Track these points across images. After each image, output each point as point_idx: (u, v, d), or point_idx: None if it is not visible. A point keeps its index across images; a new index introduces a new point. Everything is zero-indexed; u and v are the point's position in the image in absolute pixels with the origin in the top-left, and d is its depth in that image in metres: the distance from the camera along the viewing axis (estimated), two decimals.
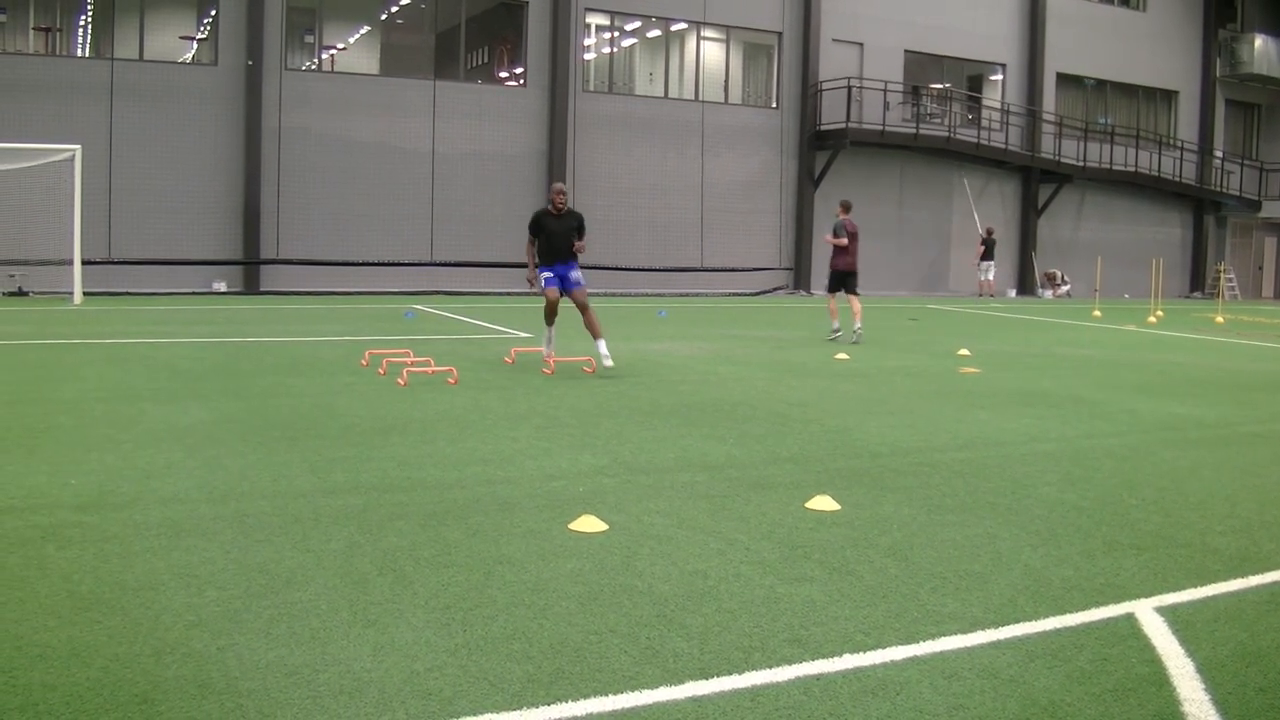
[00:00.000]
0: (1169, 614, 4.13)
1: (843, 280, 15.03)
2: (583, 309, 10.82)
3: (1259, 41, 34.14)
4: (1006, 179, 31.19)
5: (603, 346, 10.64)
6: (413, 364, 10.27)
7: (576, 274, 10.94)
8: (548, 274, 10.88)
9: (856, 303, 15.02)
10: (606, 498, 5.72)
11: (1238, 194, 34.82)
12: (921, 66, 30.12)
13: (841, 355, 12.81)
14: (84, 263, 18.87)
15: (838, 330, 15.09)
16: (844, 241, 14.80)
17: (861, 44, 28.67)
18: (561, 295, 10.96)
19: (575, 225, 10.84)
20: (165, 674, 3.35)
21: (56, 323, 14.98)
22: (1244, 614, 4.18)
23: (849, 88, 27.62)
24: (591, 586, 4.30)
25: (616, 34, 26.79)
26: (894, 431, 7.93)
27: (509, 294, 23.40)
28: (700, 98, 27.21)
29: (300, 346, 12.60)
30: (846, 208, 15.30)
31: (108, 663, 3.42)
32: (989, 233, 28.89)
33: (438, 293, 23.28)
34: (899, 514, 5.56)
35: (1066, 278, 30.99)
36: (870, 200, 29.18)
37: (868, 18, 28.71)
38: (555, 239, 10.76)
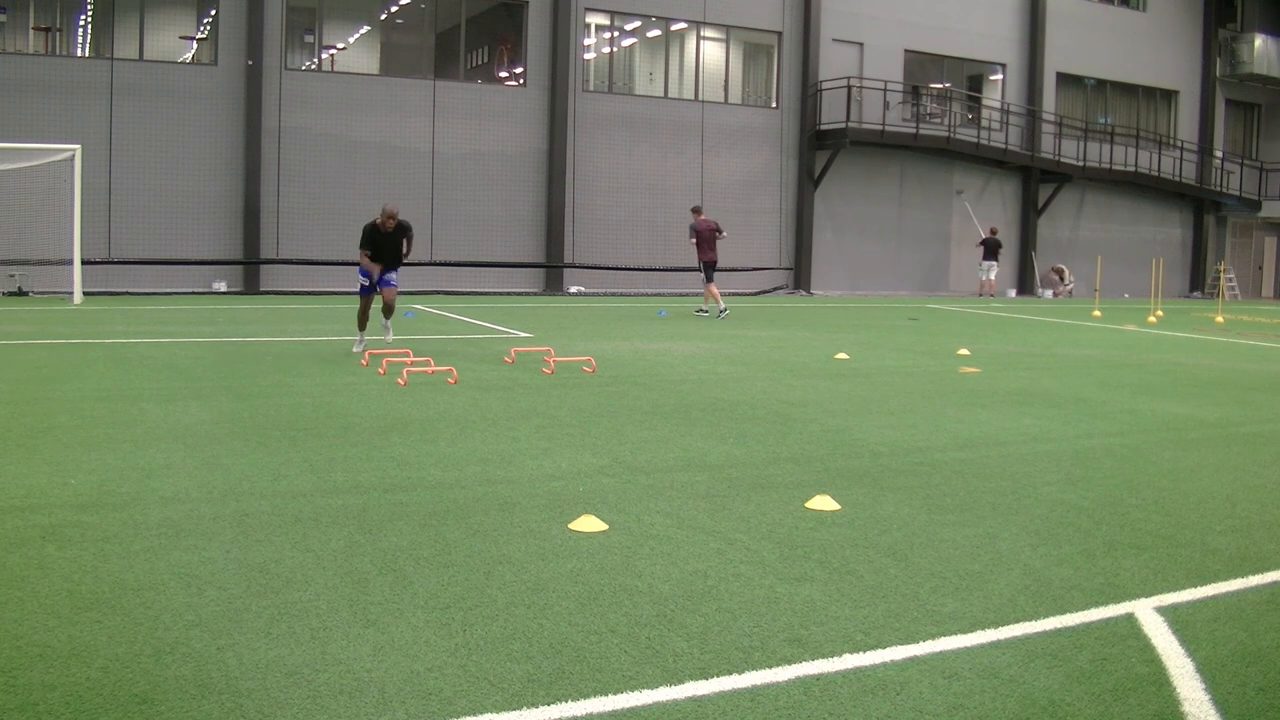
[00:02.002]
0: (1169, 614, 4.13)
1: (710, 269, 18.63)
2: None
3: (1259, 41, 34.14)
4: (1006, 179, 31.20)
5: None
6: (413, 364, 10.28)
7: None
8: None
9: (713, 289, 18.69)
10: (606, 498, 5.72)
11: (1238, 194, 34.82)
12: (921, 66, 30.12)
13: (841, 355, 12.81)
14: (84, 262, 18.88)
15: (724, 310, 18.64)
16: (694, 241, 18.47)
17: (861, 44, 28.66)
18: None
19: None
20: (165, 674, 3.35)
21: (56, 323, 14.98)
22: (1244, 614, 4.18)
23: (849, 88, 27.63)
24: (591, 586, 4.30)
25: (616, 34, 26.79)
26: (894, 431, 7.93)
27: (509, 294, 23.41)
28: (700, 98, 27.20)
29: (300, 346, 12.60)
30: (697, 211, 18.87)
31: (108, 663, 3.42)
32: (992, 232, 28.92)
33: (438, 293, 23.28)
34: (899, 514, 5.56)
35: (1072, 276, 31.00)
36: (870, 200, 29.23)
37: (868, 17, 28.71)
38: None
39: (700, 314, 18.93)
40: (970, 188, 30.63)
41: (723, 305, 18.72)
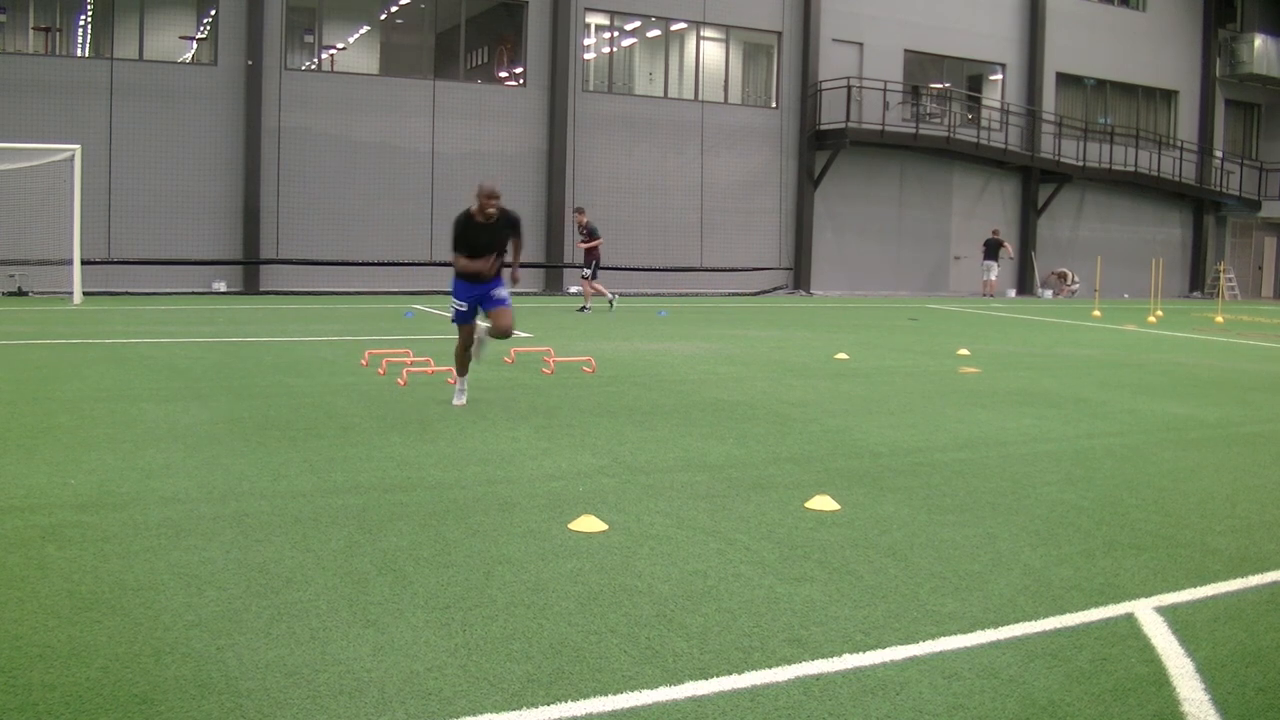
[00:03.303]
0: (1169, 614, 4.13)
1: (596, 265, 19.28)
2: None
3: (1259, 41, 34.14)
4: (1006, 179, 31.19)
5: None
6: (412, 364, 10.27)
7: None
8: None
9: (588, 285, 19.28)
10: (606, 498, 5.72)
11: (1238, 194, 34.82)
12: (921, 66, 30.11)
13: (841, 355, 12.81)
14: (84, 262, 18.87)
15: (613, 300, 19.58)
16: (593, 242, 19.17)
17: (861, 44, 28.66)
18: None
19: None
20: (165, 674, 3.35)
21: (56, 323, 14.97)
22: (1244, 614, 4.18)
23: (849, 88, 27.62)
24: (591, 586, 4.30)
25: (616, 34, 26.79)
26: (894, 431, 7.93)
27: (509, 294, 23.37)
28: (700, 98, 27.20)
29: (300, 346, 12.60)
30: (580, 211, 19.67)
31: (108, 663, 3.42)
32: (994, 234, 28.94)
33: (438, 293, 23.27)
34: (899, 514, 5.56)
35: (1077, 278, 31.02)
36: (870, 200, 29.21)
37: (868, 18, 28.70)
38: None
39: (585, 311, 19.06)
40: (970, 188, 30.63)
41: (610, 297, 19.53)
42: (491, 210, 8.20)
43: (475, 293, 8.49)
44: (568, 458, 6.71)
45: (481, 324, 8.71)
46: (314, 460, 6.44)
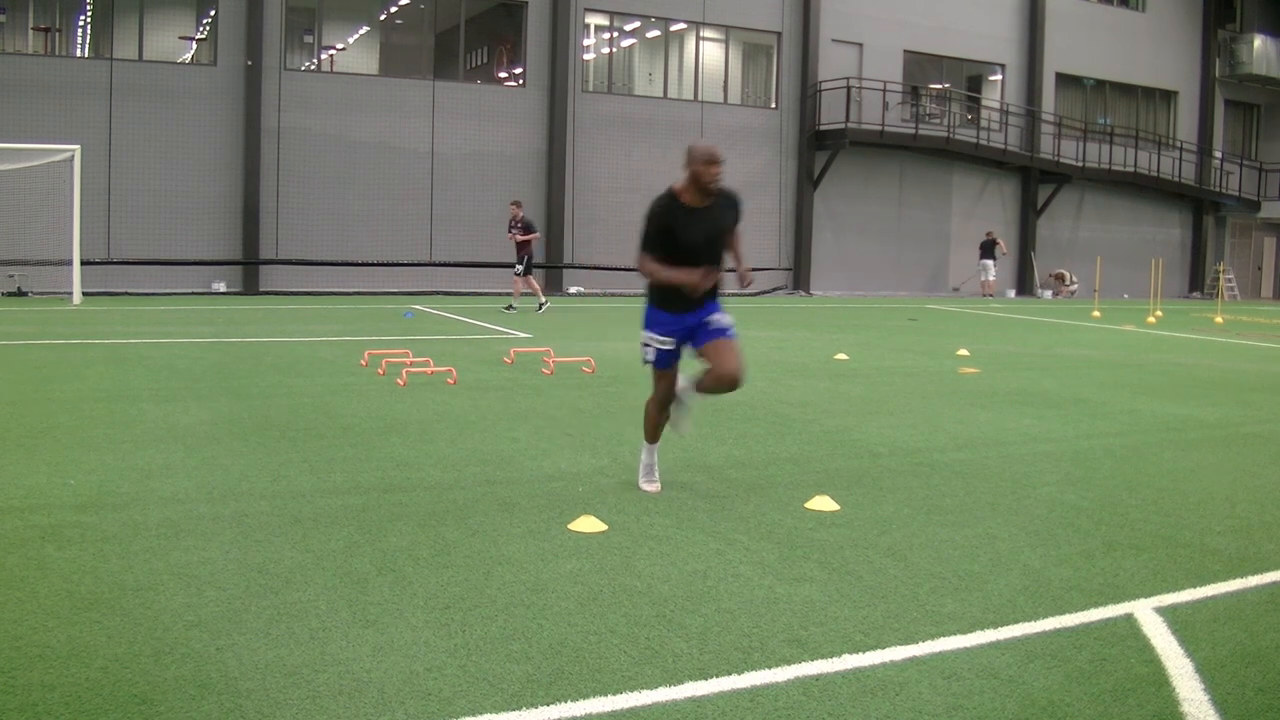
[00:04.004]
0: (1168, 614, 4.13)
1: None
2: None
3: (1258, 42, 34.14)
4: (1006, 179, 31.20)
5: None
6: (412, 364, 10.27)
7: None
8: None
9: (520, 282, 18.73)
10: (606, 498, 5.72)
11: (1237, 194, 34.82)
12: (921, 66, 30.12)
13: (841, 355, 12.81)
14: (83, 263, 18.87)
15: (544, 303, 18.85)
16: (514, 235, 18.59)
17: (861, 44, 28.67)
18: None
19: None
20: (165, 674, 3.35)
21: (56, 323, 14.97)
22: (1243, 614, 4.18)
23: (848, 88, 27.62)
24: (591, 587, 4.30)
25: (616, 34, 26.79)
26: (894, 431, 7.93)
27: (509, 294, 23.36)
28: (699, 98, 27.20)
29: (299, 346, 12.59)
30: (517, 204, 19.07)
31: (107, 663, 3.42)
32: (987, 235, 28.94)
33: (437, 293, 23.28)
34: (899, 514, 5.56)
35: (1075, 279, 31.02)
36: (870, 200, 29.21)
37: (867, 18, 28.71)
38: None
39: (510, 311, 18.60)
40: (970, 188, 30.64)
41: (543, 300, 18.87)
42: (715, 185, 5.41)
43: (686, 323, 5.59)
44: (568, 458, 6.71)
45: (684, 378, 5.81)
46: (314, 460, 6.44)
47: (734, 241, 5.79)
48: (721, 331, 5.66)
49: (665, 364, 5.72)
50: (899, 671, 3.53)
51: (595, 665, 3.53)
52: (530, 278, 18.69)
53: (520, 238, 18.48)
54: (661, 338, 5.66)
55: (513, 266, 18.94)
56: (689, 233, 5.46)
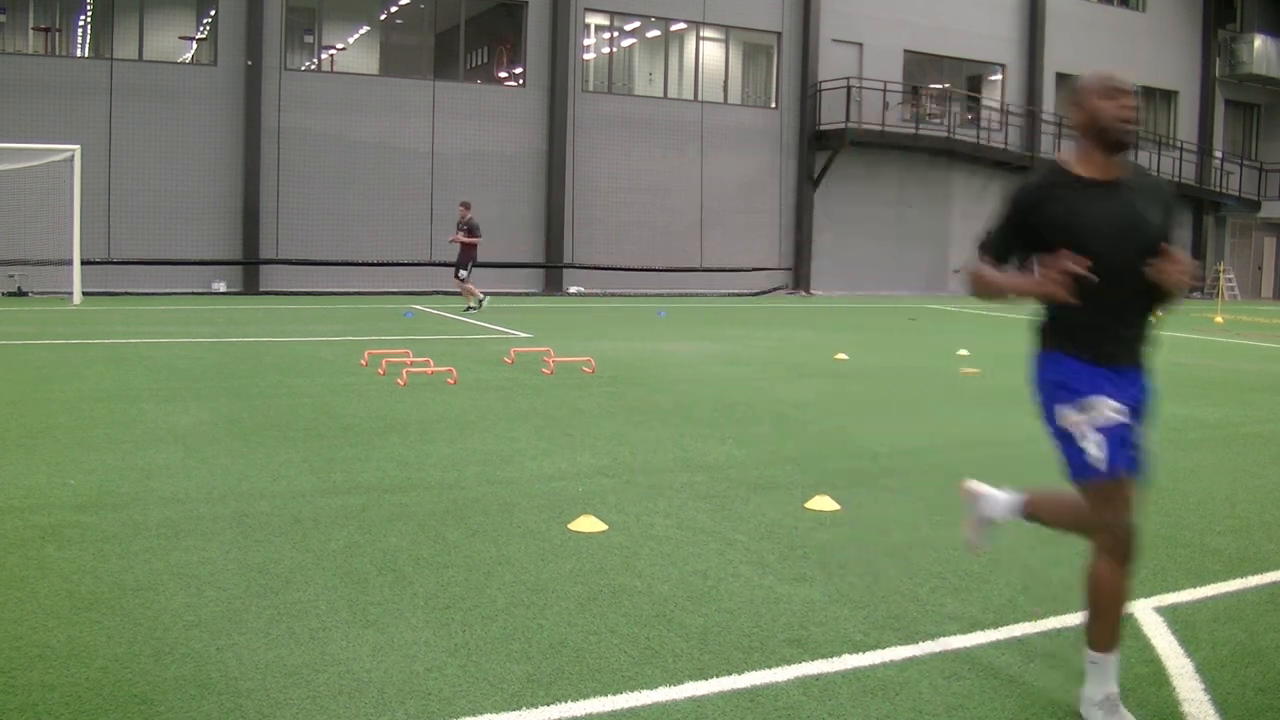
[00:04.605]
0: (1169, 614, 4.13)
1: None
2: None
3: (1259, 41, 34.14)
4: (1006, 179, 31.18)
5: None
6: (412, 364, 10.27)
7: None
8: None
9: (463, 285, 18.76)
10: (606, 498, 5.72)
11: (1237, 194, 34.82)
12: (921, 66, 30.12)
13: (841, 355, 12.81)
14: (83, 263, 18.87)
15: (483, 300, 18.73)
16: (458, 236, 18.55)
17: (861, 44, 28.66)
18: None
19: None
20: (165, 674, 3.35)
21: (56, 323, 14.97)
22: (1243, 614, 4.19)
23: (848, 88, 27.61)
24: (591, 586, 4.30)
25: (616, 34, 26.79)
26: (894, 431, 7.93)
27: (509, 294, 23.38)
28: (700, 98, 27.20)
29: (300, 346, 12.59)
30: (465, 206, 19.01)
31: (107, 663, 3.42)
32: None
33: (437, 293, 23.27)
34: (899, 514, 5.56)
35: None
36: (870, 200, 29.20)
37: (867, 18, 28.71)
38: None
39: (471, 310, 18.52)
40: (970, 188, 30.63)
41: (480, 296, 18.71)
42: (1131, 130, 3.19)
43: (1132, 390, 3.25)
44: (567, 458, 6.71)
45: (1003, 496, 3.68)
46: (314, 460, 6.44)
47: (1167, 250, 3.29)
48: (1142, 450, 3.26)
49: (1129, 461, 3.18)
50: (899, 671, 3.53)
51: (595, 665, 3.53)
52: (469, 281, 18.63)
53: (465, 240, 18.44)
54: (1109, 408, 3.15)
55: (455, 270, 18.81)
56: (1090, 218, 3.23)
